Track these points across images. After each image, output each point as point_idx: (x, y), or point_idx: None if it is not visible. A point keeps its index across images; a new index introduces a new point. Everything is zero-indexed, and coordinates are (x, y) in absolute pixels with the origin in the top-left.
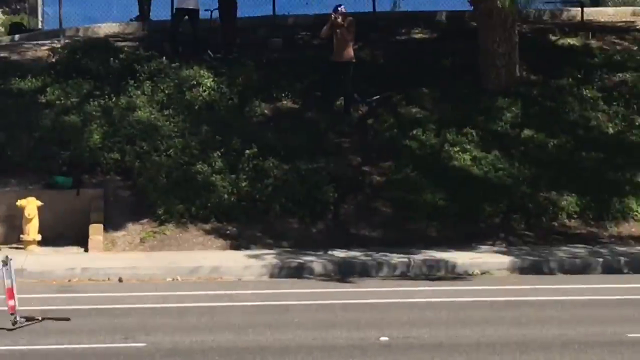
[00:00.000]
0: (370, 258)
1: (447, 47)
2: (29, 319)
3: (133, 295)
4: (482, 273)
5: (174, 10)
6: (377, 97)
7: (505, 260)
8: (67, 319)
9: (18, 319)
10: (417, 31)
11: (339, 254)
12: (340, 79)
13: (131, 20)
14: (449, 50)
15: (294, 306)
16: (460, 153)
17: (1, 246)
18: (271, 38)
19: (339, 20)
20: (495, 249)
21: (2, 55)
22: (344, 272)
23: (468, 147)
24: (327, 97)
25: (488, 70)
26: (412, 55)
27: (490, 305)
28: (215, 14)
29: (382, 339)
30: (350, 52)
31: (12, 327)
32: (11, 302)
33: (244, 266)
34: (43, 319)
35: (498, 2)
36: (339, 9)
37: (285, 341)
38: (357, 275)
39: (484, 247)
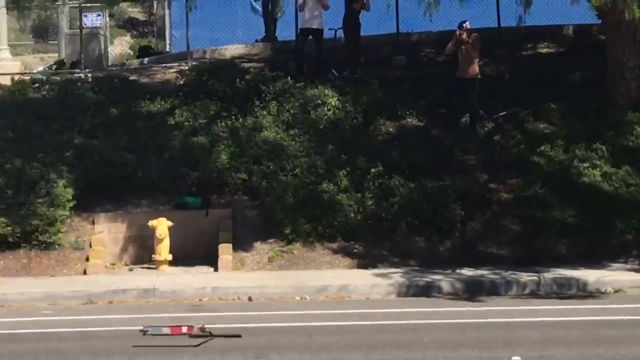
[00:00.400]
0: (498, 276)
1: (574, 61)
2: (201, 336)
3: (263, 315)
4: (615, 291)
5: (298, 30)
6: (504, 113)
7: (639, 278)
8: (239, 336)
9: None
10: (543, 46)
11: (467, 272)
12: (466, 95)
13: (257, 41)
14: (576, 64)
15: (423, 325)
16: (590, 169)
17: (133, 266)
18: (395, 56)
19: (464, 36)
20: (628, 266)
21: (131, 78)
22: (472, 291)
23: (598, 162)
24: (452, 114)
25: (617, 83)
26: (538, 70)
27: (624, 324)
28: (340, 33)
29: (514, 358)
30: (475, 68)
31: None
32: (184, 329)
33: (371, 285)
34: (214, 336)
35: (626, 14)
36: (464, 25)
37: None
38: (486, 293)
39: (615, 265)
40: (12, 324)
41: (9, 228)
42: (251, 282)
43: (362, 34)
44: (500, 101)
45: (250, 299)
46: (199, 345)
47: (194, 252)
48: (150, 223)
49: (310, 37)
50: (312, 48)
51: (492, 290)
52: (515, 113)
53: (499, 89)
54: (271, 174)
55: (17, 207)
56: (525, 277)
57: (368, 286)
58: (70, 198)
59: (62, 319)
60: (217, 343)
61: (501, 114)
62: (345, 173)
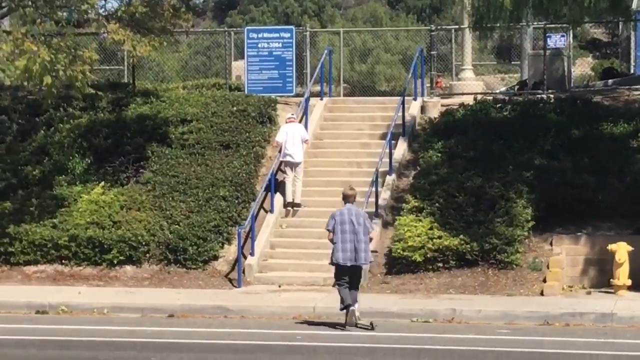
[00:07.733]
0: None
1: None
2: None
3: None
4: None
5: None
6: None
7: None
8: None
9: None
10: None
11: None
12: None
13: None
14: None
15: None
16: None
17: (591, 289)
18: None
19: None
20: None
21: (594, 99)
22: None
23: None
24: None
25: None
26: None
27: None
28: None
29: None
30: None
31: None
32: None
33: None
34: None
35: None
36: None
37: None
38: None
39: None
40: (467, 340)
41: (468, 246)
42: None
43: None
44: None
45: None
46: None
47: None
48: (610, 247)
49: None
50: None
51: None
52: None
53: None
54: None
55: (476, 225)
56: None
57: None
58: (529, 218)
59: (517, 339)
60: None
61: None
62: None
